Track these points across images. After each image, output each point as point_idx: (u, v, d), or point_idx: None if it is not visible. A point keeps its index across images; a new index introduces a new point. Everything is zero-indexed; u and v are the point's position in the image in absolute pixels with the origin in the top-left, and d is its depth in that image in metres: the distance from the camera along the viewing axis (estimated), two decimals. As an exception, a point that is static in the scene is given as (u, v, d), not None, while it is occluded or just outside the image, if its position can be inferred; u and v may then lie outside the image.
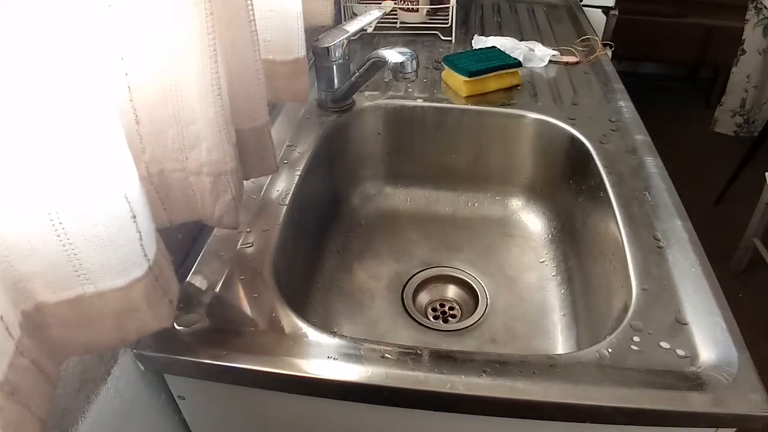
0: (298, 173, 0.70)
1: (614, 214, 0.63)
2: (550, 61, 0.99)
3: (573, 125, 0.80)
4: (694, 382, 0.45)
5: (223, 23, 0.44)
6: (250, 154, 0.53)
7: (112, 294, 0.34)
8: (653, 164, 0.72)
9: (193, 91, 0.42)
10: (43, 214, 0.29)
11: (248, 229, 0.61)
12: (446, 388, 0.45)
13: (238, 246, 0.59)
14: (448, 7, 1.10)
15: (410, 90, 0.89)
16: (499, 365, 0.47)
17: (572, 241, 0.77)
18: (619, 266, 0.59)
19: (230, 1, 0.44)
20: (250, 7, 0.46)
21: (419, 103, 0.86)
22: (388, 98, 0.87)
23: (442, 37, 1.11)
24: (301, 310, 0.54)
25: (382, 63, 0.72)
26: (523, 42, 1.03)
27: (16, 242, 0.30)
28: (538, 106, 0.85)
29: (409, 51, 0.70)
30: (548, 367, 0.47)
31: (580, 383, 0.45)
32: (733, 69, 2.30)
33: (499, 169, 0.89)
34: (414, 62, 0.70)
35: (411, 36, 1.12)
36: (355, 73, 0.77)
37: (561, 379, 0.46)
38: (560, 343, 0.68)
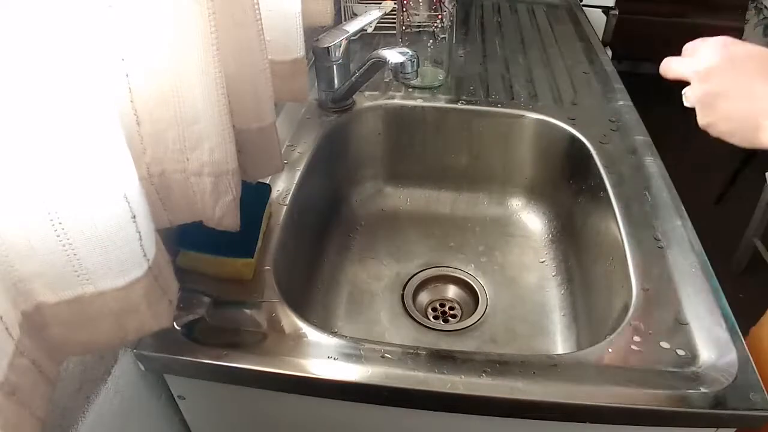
0: (298, 173, 0.70)
1: (614, 214, 0.63)
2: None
3: (573, 125, 0.80)
4: (694, 382, 0.45)
5: (230, 23, 0.44)
6: (259, 153, 0.53)
7: (112, 294, 0.34)
8: (653, 164, 0.72)
9: (195, 92, 0.42)
10: (43, 215, 0.29)
11: (248, 229, 0.61)
12: (446, 388, 0.45)
13: (238, 246, 0.58)
14: (448, 8, 1.10)
15: (410, 90, 0.89)
16: (499, 365, 0.47)
17: (572, 241, 0.77)
18: (619, 266, 0.59)
19: (236, 0, 0.44)
20: (256, 7, 0.46)
21: (419, 103, 0.86)
22: (388, 98, 0.87)
23: (442, 36, 1.10)
24: (301, 310, 0.54)
25: (382, 63, 0.72)
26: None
27: (16, 242, 0.30)
28: (538, 106, 0.85)
29: (409, 51, 0.70)
30: (548, 367, 0.47)
31: (580, 383, 0.45)
32: (734, 69, 2.30)
33: (499, 169, 0.89)
34: (414, 62, 0.70)
35: (411, 36, 1.12)
36: (355, 73, 0.77)
37: (561, 379, 0.46)
38: (560, 343, 0.68)
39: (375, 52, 0.72)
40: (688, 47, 0.46)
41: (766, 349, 0.54)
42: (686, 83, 0.45)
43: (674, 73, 0.47)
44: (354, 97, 0.85)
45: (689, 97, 0.45)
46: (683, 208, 0.64)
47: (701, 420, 0.45)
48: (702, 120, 0.45)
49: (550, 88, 0.90)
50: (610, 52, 1.09)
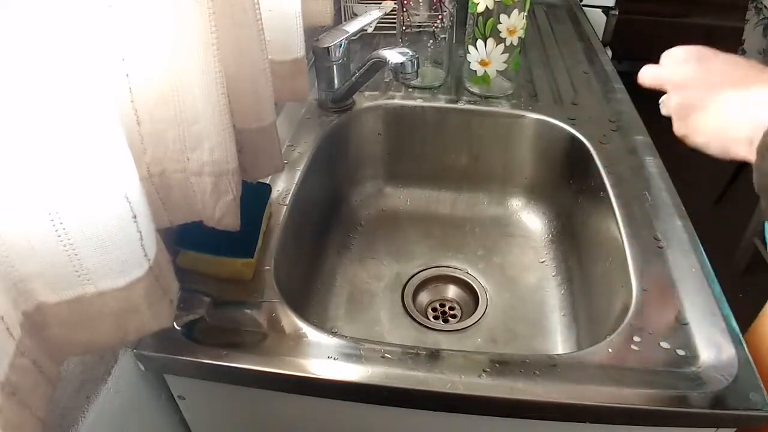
0: (299, 173, 0.70)
1: (614, 214, 0.63)
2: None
3: (573, 125, 0.80)
4: (694, 382, 0.45)
5: (230, 23, 0.44)
6: (259, 153, 0.53)
7: (113, 294, 0.34)
8: (653, 164, 0.72)
9: (195, 91, 0.42)
10: (43, 215, 0.30)
11: (248, 229, 0.61)
12: (446, 388, 0.45)
13: (239, 246, 0.58)
14: (448, 8, 1.10)
15: (410, 90, 0.89)
16: (500, 365, 0.47)
17: (572, 241, 0.77)
18: (619, 266, 0.59)
19: (236, 0, 0.44)
20: (256, 7, 0.46)
21: (419, 103, 0.86)
22: (388, 98, 0.87)
23: (442, 36, 1.10)
24: (301, 310, 0.54)
25: (382, 63, 0.72)
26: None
27: (16, 242, 0.30)
28: (538, 106, 0.85)
29: (409, 51, 0.70)
30: (549, 367, 0.47)
31: (581, 383, 0.46)
32: (733, 69, 2.29)
33: (499, 169, 0.89)
34: (414, 62, 0.70)
35: (411, 36, 1.12)
36: (355, 73, 0.77)
37: (561, 379, 0.46)
38: (560, 343, 0.68)
39: (375, 52, 0.72)
40: (666, 56, 0.45)
41: (764, 346, 0.54)
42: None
43: (651, 81, 0.46)
44: (354, 97, 0.85)
45: (665, 107, 0.45)
46: (683, 208, 0.64)
47: (701, 420, 0.45)
48: (677, 131, 0.44)
49: (550, 88, 0.90)
50: (610, 52, 1.09)
